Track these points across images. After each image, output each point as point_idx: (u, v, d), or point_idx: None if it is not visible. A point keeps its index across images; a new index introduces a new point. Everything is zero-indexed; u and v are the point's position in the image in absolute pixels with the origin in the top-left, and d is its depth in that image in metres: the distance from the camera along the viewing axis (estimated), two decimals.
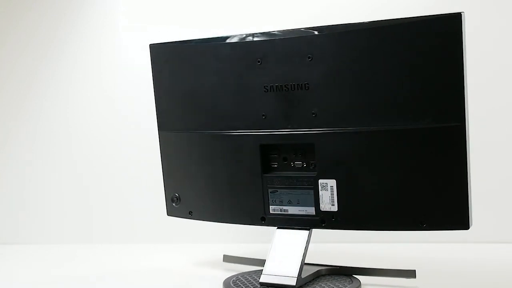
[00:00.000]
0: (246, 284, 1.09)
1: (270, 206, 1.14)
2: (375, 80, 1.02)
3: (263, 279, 1.07)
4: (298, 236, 1.10)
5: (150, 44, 1.29)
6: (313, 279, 1.09)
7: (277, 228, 1.14)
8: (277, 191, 1.13)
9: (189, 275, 1.27)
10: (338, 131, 1.05)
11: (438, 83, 0.98)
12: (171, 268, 1.36)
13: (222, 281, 1.13)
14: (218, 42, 1.19)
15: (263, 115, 1.11)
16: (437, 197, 1.00)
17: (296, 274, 1.04)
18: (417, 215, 1.02)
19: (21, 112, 1.90)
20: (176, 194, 1.27)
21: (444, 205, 1.00)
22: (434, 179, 1.01)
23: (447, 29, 0.97)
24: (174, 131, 1.26)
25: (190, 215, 1.27)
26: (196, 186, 1.25)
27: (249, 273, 1.18)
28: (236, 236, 1.65)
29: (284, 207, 1.13)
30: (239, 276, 1.15)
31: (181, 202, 1.28)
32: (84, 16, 1.85)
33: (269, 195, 1.14)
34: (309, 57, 1.05)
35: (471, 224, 1.00)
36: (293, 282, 1.04)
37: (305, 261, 1.08)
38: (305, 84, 1.06)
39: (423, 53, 0.99)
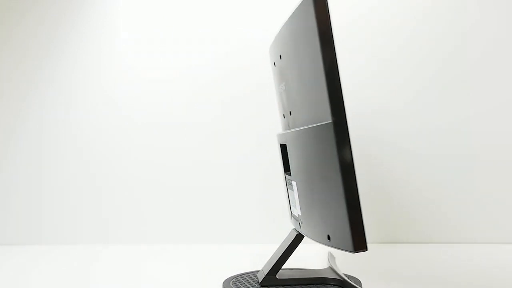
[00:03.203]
0: (245, 284, 1.09)
1: (290, 205, 1.16)
2: (291, 79, 0.98)
3: (259, 274, 1.11)
4: (292, 237, 1.10)
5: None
6: (307, 284, 1.07)
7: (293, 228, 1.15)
8: (288, 191, 1.14)
9: (189, 275, 1.27)
10: (295, 130, 1.01)
11: (311, 78, 0.86)
12: (171, 268, 1.36)
13: (222, 281, 1.13)
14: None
15: (284, 115, 1.13)
16: (329, 208, 0.87)
17: (264, 273, 1.06)
18: (325, 227, 0.90)
19: (21, 113, 1.90)
20: None
21: (334, 218, 0.85)
22: (323, 188, 0.87)
23: (309, 16, 0.83)
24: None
25: None
26: None
27: (248, 273, 1.18)
28: (238, 236, 1.65)
29: (291, 207, 1.14)
30: (239, 277, 1.15)
31: None
32: (84, 16, 1.85)
33: (288, 194, 1.15)
34: (280, 57, 1.06)
35: (360, 248, 0.80)
36: (260, 279, 1.07)
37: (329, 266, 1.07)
38: (283, 83, 1.06)
39: (302, 45, 0.88)
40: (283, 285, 1.05)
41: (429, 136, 1.53)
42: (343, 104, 0.79)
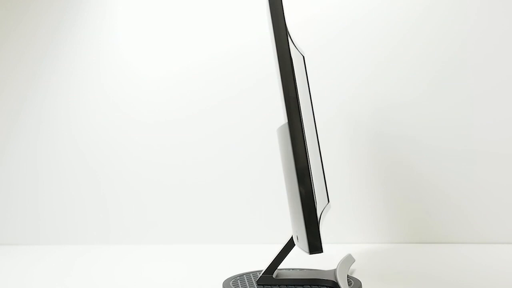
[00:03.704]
0: (245, 284, 1.09)
1: None
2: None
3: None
4: (290, 237, 1.10)
5: None
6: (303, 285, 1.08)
7: None
8: None
9: (189, 275, 1.27)
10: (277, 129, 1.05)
11: (279, 82, 0.89)
12: (171, 268, 1.36)
13: (222, 281, 1.13)
14: None
15: None
16: (293, 209, 0.89)
17: (262, 272, 1.08)
18: (294, 228, 0.92)
19: (21, 113, 1.90)
20: None
21: (297, 219, 0.88)
22: (289, 189, 0.90)
23: (270, 31, 0.87)
24: None
25: None
26: None
27: (248, 274, 1.18)
28: (237, 237, 1.65)
29: None
30: (239, 277, 1.15)
31: None
32: (84, 15, 1.85)
33: None
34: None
35: (314, 250, 0.82)
36: (256, 277, 1.09)
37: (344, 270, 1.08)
38: None
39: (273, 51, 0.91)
40: (278, 285, 1.06)
41: (450, 133, 1.51)
42: (298, 106, 0.82)
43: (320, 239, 0.82)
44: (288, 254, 1.30)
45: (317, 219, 0.82)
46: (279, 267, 1.16)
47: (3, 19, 1.94)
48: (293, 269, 1.17)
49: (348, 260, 1.20)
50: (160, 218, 1.74)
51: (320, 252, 0.82)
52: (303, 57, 1.33)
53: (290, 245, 1.07)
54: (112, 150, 1.80)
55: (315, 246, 0.82)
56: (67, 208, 1.83)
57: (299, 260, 1.32)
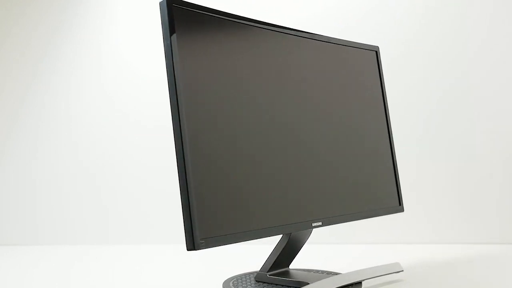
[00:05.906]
0: (245, 284, 1.09)
1: None
2: None
3: None
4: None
5: None
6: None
7: None
8: None
9: (189, 275, 1.27)
10: None
11: None
12: (172, 268, 1.36)
13: (222, 281, 1.13)
14: None
15: None
16: None
17: (258, 270, 1.10)
18: None
19: (21, 115, 1.90)
20: None
21: None
22: None
23: None
24: None
25: None
26: None
27: (248, 274, 1.17)
28: None
29: None
30: (239, 277, 1.15)
31: None
32: (84, 15, 1.85)
33: None
34: None
35: (189, 248, 0.82)
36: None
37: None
38: None
39: None
40: (269, 283, 1.06)
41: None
42: (177, 106, 0.88)
43: (192, 236, 0.81)
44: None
45: (190, 216, 0.81)
46: (296, 268, 1.16)
47: (3, 19, 1.93)
48: (309, 270, 1.17)
49: (384, 268, 1.12)
50: (160, 218, 1.73)
51: (194, 250, 0.81)
52: (376, 52, 1.28)
53: (282, 243, 1.07)
54: (112, 151, 1.79)
55: (189, 243, 0.82)
56: (66, 208, 1.83)
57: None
